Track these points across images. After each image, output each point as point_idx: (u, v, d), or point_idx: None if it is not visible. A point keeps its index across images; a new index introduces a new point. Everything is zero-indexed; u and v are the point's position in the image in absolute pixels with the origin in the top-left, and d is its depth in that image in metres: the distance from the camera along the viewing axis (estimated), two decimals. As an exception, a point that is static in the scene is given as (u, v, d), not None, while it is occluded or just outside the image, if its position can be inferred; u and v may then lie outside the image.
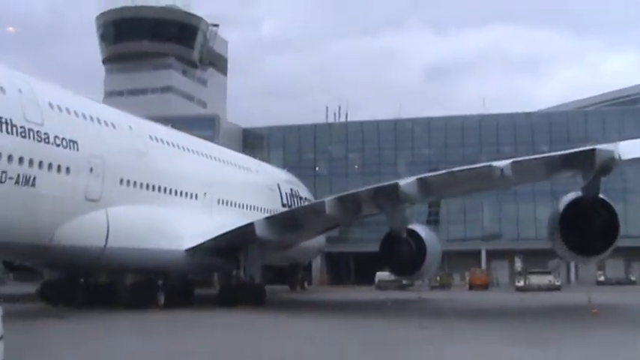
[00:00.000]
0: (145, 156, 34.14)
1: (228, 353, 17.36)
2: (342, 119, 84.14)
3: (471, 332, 22.54)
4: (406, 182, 30.37)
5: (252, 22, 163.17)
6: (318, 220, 35.35)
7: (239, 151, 57.18)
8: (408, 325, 25.66)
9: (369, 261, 70.91)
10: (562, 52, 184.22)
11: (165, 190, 35.22)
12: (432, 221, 66.08)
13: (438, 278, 62.32)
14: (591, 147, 28.82)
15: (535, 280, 57.81)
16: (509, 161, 28.84)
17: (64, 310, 30.23)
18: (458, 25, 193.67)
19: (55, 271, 37.94)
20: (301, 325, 25.56)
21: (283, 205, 51.03)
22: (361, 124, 76.02)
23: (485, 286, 59.85)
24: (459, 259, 68.80)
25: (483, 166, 30.23)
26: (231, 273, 38.79)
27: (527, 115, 76.22)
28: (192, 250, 35.63)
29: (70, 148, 28.48)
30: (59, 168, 27.82)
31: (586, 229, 31.52)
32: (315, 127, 77.85)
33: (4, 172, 25.01)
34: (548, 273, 60.59)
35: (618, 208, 32.68)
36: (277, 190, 51.08)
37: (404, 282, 61.11)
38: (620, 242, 61.30)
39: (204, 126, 67.14)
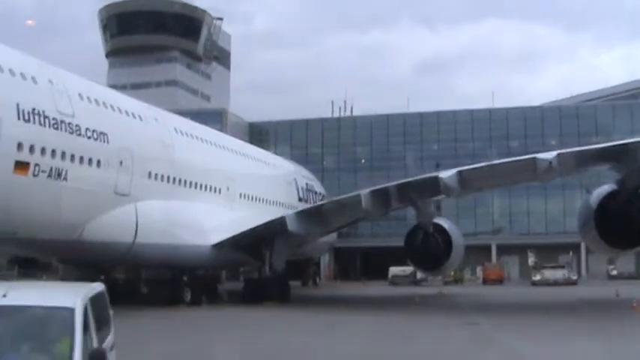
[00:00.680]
0: (170, 149, 33.29)
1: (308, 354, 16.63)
2: (347, 113, 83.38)
3: (526, 328, 21.91)
4: (447, 175, 29.67)
5: (243, 16, 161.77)
6: (352, 213, 34.73)
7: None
8: (454, 321, 25.01)
9: (375, 256, 71.07)
10: (554, 48, 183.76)
11: (190, 184, 34.42)
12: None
13: (452, 273, 61.53)
14: (636, 140, 28.39)
15: (549, 274, 57.22)
16: (554, 153, 28.28)
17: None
18: (450, 20, 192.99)
19: (73, 268, 37.22)
20: (352, 323, 24.70)
21: (300, 200, 50.36)
22: (370, 118, 75.09)
23: (500, 281, 59.24)
24: (469, 253, 67.94)
25: (527, 159, 29.58)
26: (256, 268, 38.17)
27: (537, 108, 75.68)
28: (219, 245, 34.87)
29: (100, 140, 27.62)
30: (90, 161, 26.95)
31: (623, 221, 31.09)
32: (322, 122, 76.92)
33: (37, 165, 24.11)
34: (562, 267, 60.09)
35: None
36: (294, 184, 50.37)
37: (418, 277, 60.67)
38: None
39: (212, 120, 66.01)
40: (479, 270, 67.49)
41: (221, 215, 36.55)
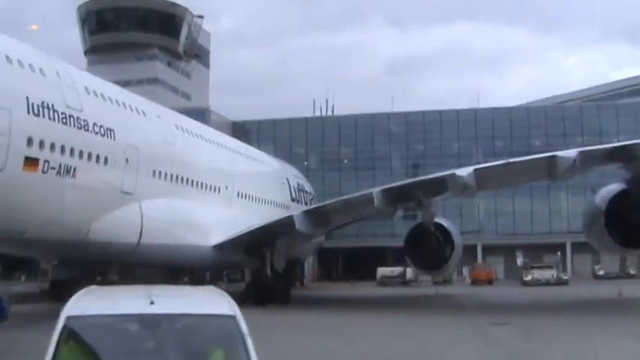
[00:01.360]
0: (172, 146, 32.26)
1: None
2: (329, 113, 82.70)
3: (558, 328, 21.41)
4: (465, 173, 29.11)
5: (211, 15, 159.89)
6: (360, 212, 34.14)
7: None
8: (478, 321, 24.46)
9: (357, 257, 70.50)
10: (523, 50, 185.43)
11: (191, 182, 33.41)
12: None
13: (442, 274, 61.19)
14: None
15: (538, 274, 57.19)
16: (575, 151, 27.94)
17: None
18: (421, 21, 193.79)
19: (63, 269, 36.15)
20: (377, 325, 23.97)
21: (292, 200, 49.59)
22: (354, 117, 74.42)
23: (489, 282, 58.98)
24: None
25: (547, 157, 29.14)
26: (252, 269, 37.36)
27: (523, 108, 75.96)
28: (221, 246, 33.95)
29: (107, 136, 26.51)
30: (98, 158, 25.82)
31: (635, 221, 30.87)
32: (306, 121, 76.13)
33: (46, 161, 22.96)
34: (550, 267, 60.14)
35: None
36: (287, 183, 49.56)
37: (407, 277, 60.26)
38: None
39: (195, 118, 63.74)
40: (465, 270, 67.21)
41: (221, 215, 35.63)
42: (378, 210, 31.53)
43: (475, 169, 29.41)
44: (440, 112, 73.30)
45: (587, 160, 28.63)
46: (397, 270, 60.78)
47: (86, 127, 25.20)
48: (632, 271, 64.27)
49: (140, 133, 29.40)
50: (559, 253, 65.69)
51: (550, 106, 79.46)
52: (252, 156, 45.81)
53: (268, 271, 35.51)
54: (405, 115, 74.32)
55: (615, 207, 31.58)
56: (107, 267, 34.21)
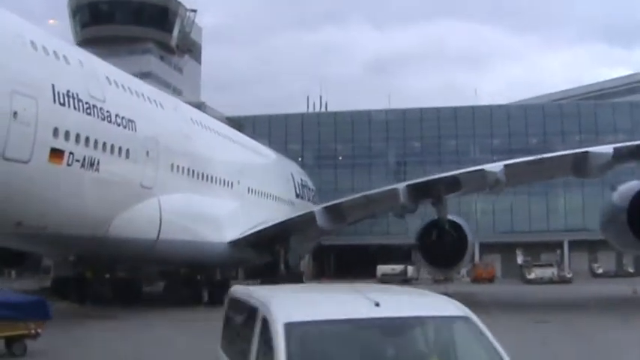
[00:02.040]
0: (189, 140, 31.37)
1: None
2: (321, 110, 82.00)
3: (601, 324, 20.90)
4: (498, 169, 28.50)
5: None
6: (382, 208, 33.59)
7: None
8: (518, 320, 23.85)
9: (348, 254, 69.79)
10: (502, 49, 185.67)
11: (206, 177, 32.52)
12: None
13: (442, 271, 60.66)
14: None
15: (539, 272, 56.88)
16: (610, 147, 27.42)
17: (95, 308, 27.40)
18: (399, 20, 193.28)
19: (67, 266, 35.15)
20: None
21: (297, 196, 48.87)
22: (351, 114, 73.68)
23: (491, 280, 58.49)
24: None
25: (579, 153, 28.59)
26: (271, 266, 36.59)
27: (521, 106, 75.66)
28: (236, 243, 33.11)
29: (129, 128, 25.57)
30: (120, 150, 24.88)
31: None
32: (302, 117, 75.29)
33: (71, 153, 21.96)
34: (551, 265, 59.88)
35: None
36: (292, 179, 48.89)
37: (408, 275, 59.72)
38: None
39: (191, 113, 63.80)
40: (463, 269, 66.55)
41: (234, 211, 34.81)
42: (402, 206, 30.84)
43: (505, 165, 28.80)
44: (437, 109, 72.66)
45: (623, 156, 28.12)
46: (398, 267, 60.21)
47: (109, 119, 24.23)
48: (630, 270, 64.03)
49: (159, 126, 28.47)
50: (558, 252, 65.39)
51: (548, 104, 79.21)
52: (260, 151, 45.01)
53: (282, 268, 34.74)
54: (403, 112, 73.62)
55: (638, 204, 31.10)
56: (115, 264, 33.35)
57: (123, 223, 25.64)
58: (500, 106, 73.41)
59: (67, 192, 22.45)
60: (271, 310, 4.89)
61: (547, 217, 69.33)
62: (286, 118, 74.99)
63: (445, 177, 31.55)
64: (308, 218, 32.46)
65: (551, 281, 54.18)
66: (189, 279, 32.74)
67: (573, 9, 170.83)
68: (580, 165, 28.30)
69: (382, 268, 60.70)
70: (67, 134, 21.66)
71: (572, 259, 69.34)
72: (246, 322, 5.66)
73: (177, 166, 29.41)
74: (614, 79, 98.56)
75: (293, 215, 40.97)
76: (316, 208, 32.59)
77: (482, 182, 29.63)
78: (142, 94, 28.22)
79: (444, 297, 5.35)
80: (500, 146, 69.95)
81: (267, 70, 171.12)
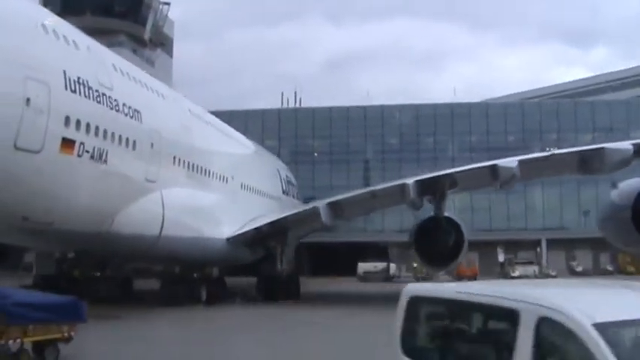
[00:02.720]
0: (188, 133, 30.18)
1: None
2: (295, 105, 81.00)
3: None
4: (513, 164, 27.94)
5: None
6: (387, 203, 32.94)
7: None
8: None
9: (321, 252, 68.92)
10: (459, 48, 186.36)
11: (205, 172, 31.37)
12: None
13: (423, 270, 60.19)
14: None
15: (522, 270, 56.83)
16: (628, 143, 27.04)
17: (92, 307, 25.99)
18: (358, 17, 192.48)
19: (50, 264, 33.76)
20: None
21: (283, 192, 47.92)
22: (329, 110, 72.76)
23: (474, 277, 58.15)
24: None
25: (596, 149, 28.16)
26: (265, 264, 35.58)
27: (499, 104, 75.72)
28: (234, 239, 32.03)
29: (135, 119, 24.35)
30: (127, 142, 23.62)
31: None
32: (279, 112, 74.13)
33: (82, 143, 20.64)
34: (532, 263, 59.96)
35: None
36: (278, 176, 47.91)
37: (391, 273, 59.15)
38: (587, 234, 61.89)
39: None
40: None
41: (230, 206, 33.70)
42: (410, 202, 30.14)
43: (520, 161, 28.27)
44: (417, 106, 72.30)
45: None
46: (380, 265, 59.64)
47: (117, 108, 22.99)
48: (609, 268, 64.46)
49: (162, 117, 27.27)
50: (538, 249, 65.51)
51: (527, 102, 79.39)
52: (250, 147, 43.92)
53: (279, 265, 33.75)
54: (381, 109, 73.05)
55: None
56: (109, 262, 32.02)
57: (126, 218, 24.34)
58: (479, 104, 73.37)
59: (76, 185, 21.18)
60: (566, 309, 4.01)
61: (525, 215, 69.41)
62: (263, 113, 73.74)
63: (456, 172, 30.85)
64: (312, 213, 31.52)
65: (535, 278, 54.05)
66: (185, 277, 31.50)
67: (532, 9, 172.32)
68: (594, 161, 27.90)
69: (363, 266, 59.97)
70: (78, 123, 20.36)
71: (549, 257, 69.57)
72: (475, 324, 4.76)
73: (179, 160, 28.22)
74: (587, 78, 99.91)
75: (280, 212, 40.10)
76: (321, 204, 31.55)
77: (493, 178, 28.98)
78: (145, 84, 26.98)
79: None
80: (479, 144, 69.89)
81: (226, 67, 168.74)
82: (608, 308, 4.12)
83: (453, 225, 35.13)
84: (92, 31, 75.47)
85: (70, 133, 20.04)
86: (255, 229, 32.26)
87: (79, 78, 20.59)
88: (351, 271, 60.23)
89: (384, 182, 64.34)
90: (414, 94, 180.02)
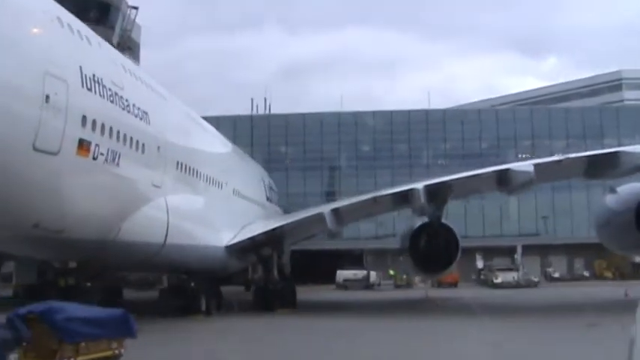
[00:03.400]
0: (189, 136, 29.03)
1: None
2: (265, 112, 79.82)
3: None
4: (529, 168, 27.45)
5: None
6: (394, 208, 32.41)
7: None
8: (567, 324, 23.25)
9: (296, 259, 67.85)
10: (414, 56, 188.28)
11: (203, 177, 30.16)
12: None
13: (404, 277, 59.74)
14: None
15: (503, 277, 56.77)
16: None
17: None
18: (313, 25, 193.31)
19: (31, 274, 32.23)
20: (456, 330, 22.26)
21: (267, 199, 46.87)
22: (303, 116, 71.90)
23: (455, 284, 57.71)
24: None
25: (612, 152, 27.88)
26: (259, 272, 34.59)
27: (474, 111, 75.97)
28: (232, 247, 30.92)
29: (144, 120, 23.12)
30: (137, 145, 22.33)
31: None
32: (251, 119, 72.99)
33: (97, 145, 19.30)
34: (511, 270, 59.95)
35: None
36: (262, 183, 46.81)
37: (371, 281, 58.39)
38: (562, 240, 62.22)
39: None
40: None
41: (225, 213, 32.60)
42: (419, 208, 29.47)
43: (535, 164, 27.81)
44: (391, 112, 71.97)
45: None
46: (361, 273, 58.89)
47: (128, 109, 21.73)
48: (586, 274, 64.88)
49: (166, 120, 26.03)
50: (516, 256, 65.51)
51: (502, 109, 79.86)
52: (238, 152, 42.72)
53: (275, 273, 32.69)
54: (354, 115, 72.53)
55: None
56: (92, 271, 30.36)
57: (133, 226, 22.93)
58: (455, 110, 73.44)
59: (89, 190, 19.84)
60: None
61: (500, 222, 69.49)
62: (235, 120, 72.37)
63: (466, 177, 30.29)
64: (315, 220, 30.55)
65: (518, 285, 54.05)
66: (183, 287, 30.11)
67: (484, 19, 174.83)
68: (606, 166, 27.66)
69: (343, 274, 59.06)
70: (94, 123, 19.02)
71: (524, 263, 69.76)
72: None
73: (181, 165, 26.96)
74: (562, 83, 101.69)
75: (266, 218, 39.20)
76: (326, 209, 30.58)
77: (503, 183, 28.51)
78: (150, 85, 25.66)
79: None
80: (453, 150, 69.96)
81: (181, 75, 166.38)
82: None
83: (447, 231, 34.66)
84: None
85: (87, 134, 18.69)
86: (261, 234, 31.23)
87: (94, 75, 19.28)
88: (328, 279, 59.28)
89: (358, 189, 64.54)
90: (368, 103, 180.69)
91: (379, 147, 71.18)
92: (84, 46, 19.72)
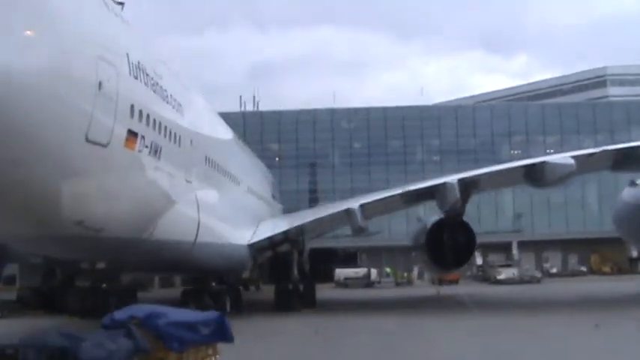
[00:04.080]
0: (214, 131, 27.84)
1: None
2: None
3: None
4: (569, 160, 26.76)
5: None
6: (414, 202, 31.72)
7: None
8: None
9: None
10: (384, 56, 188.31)
11: (225, 173, 29.03)
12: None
13: (405, 275, 59.07)
14: None
15: (505, 273, 56.34)
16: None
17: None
18: (282, 25, 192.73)
19: (36, 276, 30.98)
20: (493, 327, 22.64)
21: (272, 197, 45.83)
22: (297, 112, 71.05)
23: (456, 281, 57.01)
24: (402, 254, 65.76)
25: (630, 147, 27.42)
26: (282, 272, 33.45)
27: (469, 107, 75.68)
28: (255, 245, 29.82)
29: (180, 112, 21.85)
30: (175, 137, 21.06)
31: None
32: (243, 115, 71.85)
33: (143, 137, 18.01)
34: (510, 266, 59.63)
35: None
36: (268, 180, 45.82)
37: (372, 279, 57.60)
38: (556, 236, 62.10)
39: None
40: (415, 270, 64.98)
41: (244, 210, 31.58)
42: (452, 203, 28.66)
43: (574, 157, 27.14)
44: (384, 108, 71.19)
45: None
46: (361, 271, 58.09)
47: (167, 99, 20.52)
48: (582, 269, 64.77)
49: (196, 112, 24.82)
50: (514, 252, 65.18)
51: (497, 105, 79.41)
52: (246, 150, 41.52)
53: (296, 272, 31.67)
54: (348, 112, 71.77)
55: None
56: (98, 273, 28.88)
57: (166, 222, 21.57)
58: (448, 107, 72.94)
59: (133, 184, 18.57)
60: None
61: (496, 218, 69.15)
62: (226, 116, 70.93)
63: (497, 170, 29.61)
64: (343, 216, 29.54)
65: (521, 281, 53.60)
66: (205, 286, 28.92)
67: (453, 17, 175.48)
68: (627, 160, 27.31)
69: (344, 272, 58.14)
70: (140, 114, 17.75)
71: (520, 259, 69.56)
72: None
73: (209, 160, 25.76)
74: (545, 80, 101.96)
75: (272, 216, 38.28)
76: (354, 205, 29.50)
77: (538, 177, 27.85)
78: (176, 75, 24.35)
79: None
80: (447, 145, 69.53)
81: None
82: None
83: (464, 226, 34.05)
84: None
85: (134, 124, 17.41)
86: (283, 231, 30.14)
87: (138, 62, 18.01)
88: (325, 277, 58.30)
89: (352, 186, 63.63)
90: (339, 102, 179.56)
91: (374, 143, 70.39)
92: (129, 32, 18.49)
